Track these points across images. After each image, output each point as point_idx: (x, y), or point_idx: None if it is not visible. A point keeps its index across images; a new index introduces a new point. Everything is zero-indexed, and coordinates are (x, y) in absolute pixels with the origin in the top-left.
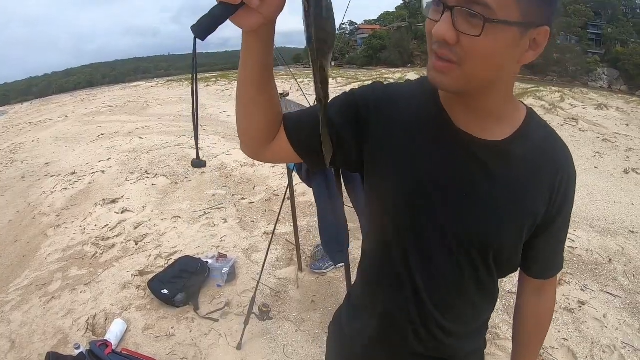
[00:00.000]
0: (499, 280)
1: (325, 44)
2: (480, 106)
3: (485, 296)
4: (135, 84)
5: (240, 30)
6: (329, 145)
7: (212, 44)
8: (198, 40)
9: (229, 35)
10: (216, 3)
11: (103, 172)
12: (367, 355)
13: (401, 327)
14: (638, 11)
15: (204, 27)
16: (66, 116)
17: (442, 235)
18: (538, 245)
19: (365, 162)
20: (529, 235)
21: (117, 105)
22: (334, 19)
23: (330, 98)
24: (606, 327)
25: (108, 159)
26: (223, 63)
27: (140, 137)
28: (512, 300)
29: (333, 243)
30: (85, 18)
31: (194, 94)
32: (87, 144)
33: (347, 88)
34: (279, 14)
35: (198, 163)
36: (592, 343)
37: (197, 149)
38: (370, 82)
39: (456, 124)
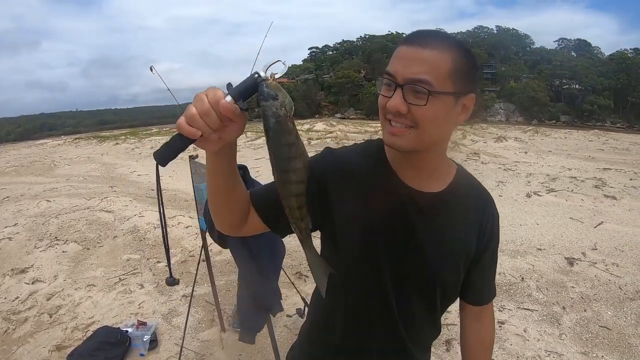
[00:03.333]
0: None
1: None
2: (422, 164)
3: (433, 326)
4: (41, 141)
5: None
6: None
7: (120, 100)
8: None
9: (137, 91)
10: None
11: (10, 239)
12: None
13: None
14: (528, 49)
15: (166, 156)
16: None
17: (395, 274)
18: (473, 277)
19: (327, 220)
20: (465, 271)
21: (23, 165)
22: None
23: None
24: (528, 340)
25: (15, 225)
26: (132, 120)
27: (48, 200)
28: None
29: (268, 295)
30: None
31: (162, 218)
32: None
33: (257, 142)
34: (240, 135)
35: (172, 281)
36: (517, 357)
37: (170, 266)
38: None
39: (402, 180)
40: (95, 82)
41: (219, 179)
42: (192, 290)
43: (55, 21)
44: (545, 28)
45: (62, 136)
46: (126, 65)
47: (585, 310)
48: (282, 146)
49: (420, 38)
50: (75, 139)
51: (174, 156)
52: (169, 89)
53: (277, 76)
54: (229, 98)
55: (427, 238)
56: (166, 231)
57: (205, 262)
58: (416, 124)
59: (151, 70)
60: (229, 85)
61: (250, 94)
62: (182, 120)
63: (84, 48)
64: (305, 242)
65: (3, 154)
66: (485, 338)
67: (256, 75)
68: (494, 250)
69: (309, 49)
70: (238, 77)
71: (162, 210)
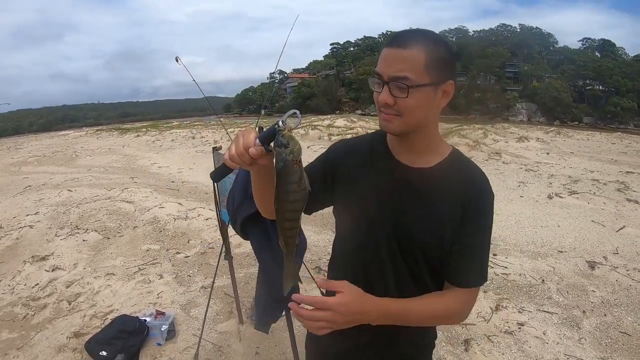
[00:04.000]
0: None
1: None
2: (413, 145)
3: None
4: (63, 132)
5: None
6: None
7: (142, 93)
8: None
9: (159, 85)
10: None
11: (31, 226)
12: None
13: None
14: (551, 48)
15: (218, 175)
16: None
17: (387, 237)
18: (452, 257)
19: (336, 195)
20: (447, 245)
21: (45, 155)
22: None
23: None
24: (547, 343)
25: (36, 213)
26: (154, 112)
27: (70, 190)
28: (453, 331)
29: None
30: (11, 61)
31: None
32: (13, 195)
33: None
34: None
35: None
36: None
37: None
38: (301, 129)
39: (396, 157)
40: (117, 74)
41: (260, 183)
42: (213, 282)
43: (78, 14)
44: (568, 27)
45: (84, 128)
46: (148, 59)
47: (605, 315)
48: (286, 184)
49: (399, 40)
50: (97, 130)
51: (223, 177)
52: (194, 80)
53: (292, 126)
54: (257, 141)
55: (412, 208)
56: (220, 219)
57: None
58: (401, 113)
59: (177, 60)
60: (261, 128)
61: (273, 139)
62: (226, 156)
63: (106, 41)
64: (289, 256)
65: (25, 144)
66: (447, 301)
67: (277, 126)
68: (479, 235)
69: (331, 44)
70: (259, 72)
71: (218, 211)
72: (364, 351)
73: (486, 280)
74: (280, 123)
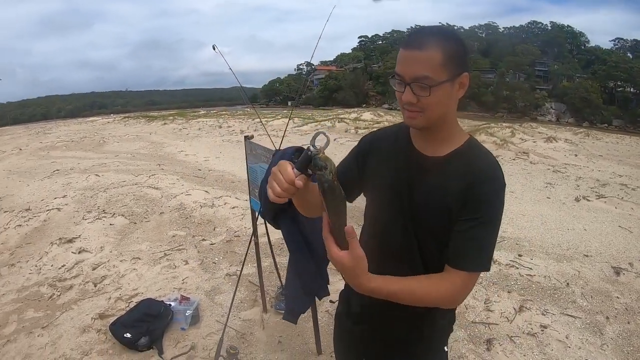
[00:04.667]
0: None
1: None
2: (432, 134)
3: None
4: (91, 119)
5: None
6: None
7: (169, 81)
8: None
9: (186, 73)
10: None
11: (59, 209)
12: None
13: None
14: (582, 48)
15: (266, 213)
16: (20, 149)
17: (403, 219)
18: (451, 239)
19: (365, 184)
20: (450, 226)
21: (73, 141)
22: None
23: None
24: (569, 347)
25: (64, 196)
26: (181, 101)
27: (97, 175)
28: (476, 330)
29: (316, 280)
30: (40, 48)
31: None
32: (41, 179)
33: (304, 128)
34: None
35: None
36: None
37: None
38: (328, 122)
39: (416, 147)
40: (144, 63)
41: (304, 199)
42: (241, 270)
43: (106, 4)
44: (600, 27)
45: (112, 114)
46: (175, 48)
47: (628, 323)
48: (332, 199)
49: (415, 41)
50: (125, 117)
51: (272, 213)
52: (231, 69)
53: (323, 146)
54: (296, 171)
55: (423, 194)
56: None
57: (254, 243)
58: (424, 110)
59: (214, 48)
60: (294, 157)
61: (309, 164)
62: (271, 195)
63: (133, 30)
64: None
65: (54, 129)
66: (438, 283)
67: (309, 152)
68: (482, 221)
69: (359, 37)
70: (284, 63)
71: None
72: (380, 312)
73: (486, 269)
74: (312, 148)
